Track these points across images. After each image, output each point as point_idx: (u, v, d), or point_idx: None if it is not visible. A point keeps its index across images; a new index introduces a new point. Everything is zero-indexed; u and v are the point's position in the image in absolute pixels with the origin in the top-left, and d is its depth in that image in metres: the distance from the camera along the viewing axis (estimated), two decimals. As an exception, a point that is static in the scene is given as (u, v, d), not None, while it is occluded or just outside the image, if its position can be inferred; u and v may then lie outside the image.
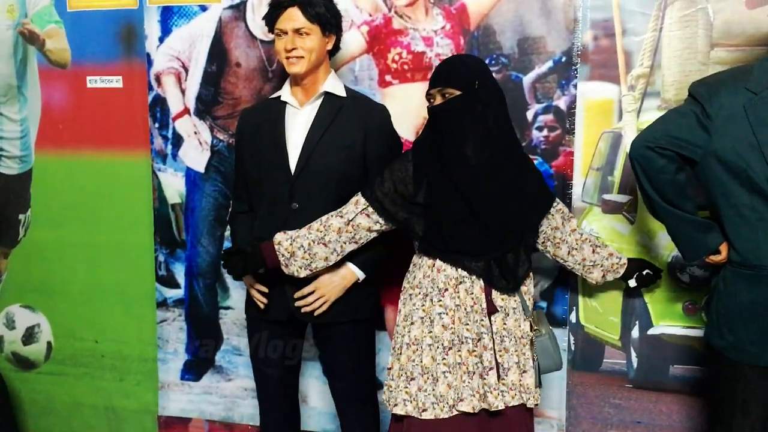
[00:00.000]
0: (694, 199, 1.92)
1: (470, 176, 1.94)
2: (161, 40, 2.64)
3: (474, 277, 1.96)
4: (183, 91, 2.65)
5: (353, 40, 2.44)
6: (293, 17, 2.08)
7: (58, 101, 2.83)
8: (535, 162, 2.35)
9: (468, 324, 1.95)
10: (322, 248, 2.04)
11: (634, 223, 2.30)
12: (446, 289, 1.97)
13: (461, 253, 1.96)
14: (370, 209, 2.02)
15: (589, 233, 2.20)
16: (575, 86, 2.30)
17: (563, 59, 2.30)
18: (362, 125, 2.13)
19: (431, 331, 1.97)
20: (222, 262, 2.20)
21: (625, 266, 2.19)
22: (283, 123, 2.17)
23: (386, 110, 2.24)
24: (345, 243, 2.05)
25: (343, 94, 2.18)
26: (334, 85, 2.18)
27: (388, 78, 2.45)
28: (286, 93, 2.20)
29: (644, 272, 2.21)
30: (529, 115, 2.35)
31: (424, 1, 2.39)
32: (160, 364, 2.83)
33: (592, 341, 2.40)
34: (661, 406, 2.35)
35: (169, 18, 2.62)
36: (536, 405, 2.00)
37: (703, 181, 1.88)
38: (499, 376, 1.94)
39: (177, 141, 2.69)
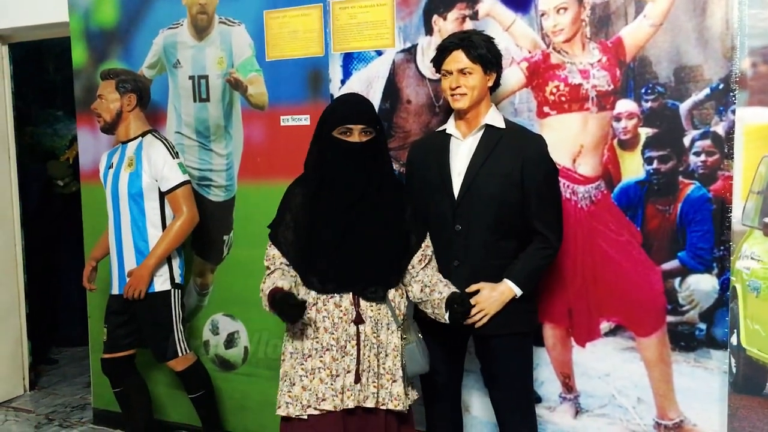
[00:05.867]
0: None
1: (355, 213, 2.13)
2: (343, 82, 2.98)
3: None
4: (361, 127, 2.97)
5: (513, 75, 2.64)
6: (457, 59, 2.31)
7: (257, 138, 3.22)
8: (693, 186, 2.42)
9: (334, 333, 2.12)
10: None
11: (799, 247, 2.29)
12: (315, 304, 2.14)
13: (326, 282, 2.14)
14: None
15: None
16: (733, 112, 2.33)
17: (721, 86, 2.35)
18: (519, 154, 2.30)
19: (293, 342, 2.19)
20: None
21: (444, 300, 2.17)
22: (448, 153, 2.39)
23: (542, 140, 2.40)
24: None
25: (502, 125, 2.36)
26: (494, 117, 2.37)
27: (546, 109, 2.61)
28: (450, 126, 2.43)
29: (454, 306, 2.13)
30: (686, 140, 2.42)
31: (581, 36, 2.54)
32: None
33: (755, 364, 2.37)
34: (831, 434, 2.28)
35: (349, 63, 2.96)
36: (405, 410, 2.19)
37: None
38: (358, 379, 2.11)
39: (355, 170, 3.01)
